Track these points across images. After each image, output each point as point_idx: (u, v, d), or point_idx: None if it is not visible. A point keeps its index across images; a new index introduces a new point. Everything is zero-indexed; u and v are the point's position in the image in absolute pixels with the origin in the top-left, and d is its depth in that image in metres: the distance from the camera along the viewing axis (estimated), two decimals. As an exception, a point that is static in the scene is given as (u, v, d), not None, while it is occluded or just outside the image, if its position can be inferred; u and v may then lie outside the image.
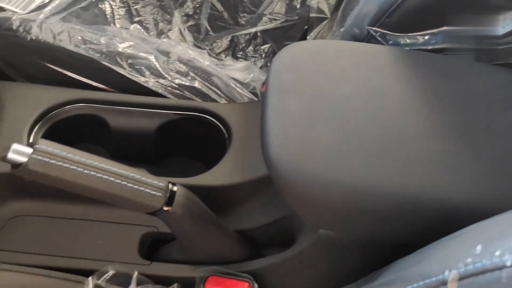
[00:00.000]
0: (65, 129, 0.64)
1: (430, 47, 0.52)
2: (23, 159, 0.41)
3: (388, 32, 0.53)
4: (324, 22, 0.89)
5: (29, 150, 0.42)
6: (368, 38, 0.54)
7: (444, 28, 0.50)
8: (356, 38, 0.57)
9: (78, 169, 0.43)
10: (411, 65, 0.50)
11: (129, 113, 0.65)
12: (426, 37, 0.52)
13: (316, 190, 0.40)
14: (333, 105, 0.46)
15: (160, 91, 0.67)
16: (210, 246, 0.53)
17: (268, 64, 0.92)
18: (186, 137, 0.68)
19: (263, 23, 0.91)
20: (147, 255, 0.59)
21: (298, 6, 0.93)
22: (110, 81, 0.68)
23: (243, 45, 0.89)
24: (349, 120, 0.44)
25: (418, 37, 0.52)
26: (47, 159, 0.42)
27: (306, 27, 0.91)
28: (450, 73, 0.50)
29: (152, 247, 0.60)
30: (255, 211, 0.56)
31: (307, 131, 0.43)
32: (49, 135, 0.62)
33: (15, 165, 0.42)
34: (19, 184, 0.58)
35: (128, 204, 0.45)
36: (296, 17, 0.91)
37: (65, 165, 0.42)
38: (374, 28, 0.54)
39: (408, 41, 0.53)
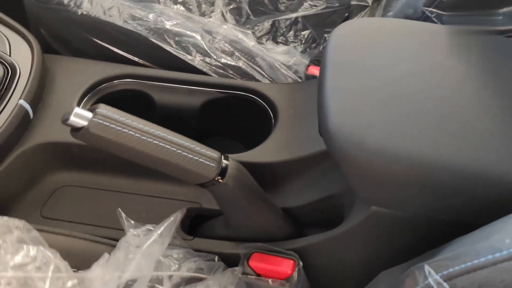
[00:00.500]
0: (111, 103, 0.64)
1: (488, 28, 0.51)
2: (84, 123, 0.42)
3: (444, 12, 0.53)
4: (366, 10, 0.88)
5: (90, 114, 0.42)
6: (423, 19, 0.54)
7: (505, 9, 0.49)
8: (409, 19, 0.56)
9: (136, 135, 0.43)
10: (468, 44, 0.49)
11: (174, 90, 0.65)
12: (484, 18, 0.51)
13: (376, 163, 0.40)
14: (391, 81, 0.45)
15: (204, 69, 0.68)
16: (256, 221, 0.53)
17: (308, 50, 0.92)
18: (228, 116, 0.68)
19: (304, 8, 0.90)
20: (189, 230, 0.59)
21: (339, -8, 0.92)
22: (155, 58, 0.69)
23: (283, 30, 0.88)
24: (407, 96, 0.44)
25: (475, 17, 0.51)
26: (107, 123, 0.42)
27: (347, 14, 0.91)
28: (508, 54, 0.49)
29: (194, 223, 0.61)
30: (301, 189, 0.56)
31: (366, 105, 0.43)
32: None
33: (76, 129, 0.42)
34: (68, 155, 0.59)
35: (181, 173, 0.46)
36: (337, 4, 0.90)
37: (123, 130, 0.43)
38: (430, 9, 0.53)
39: (464, 21, 0.52)
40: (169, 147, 0.44)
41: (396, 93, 0.44)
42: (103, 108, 0.43)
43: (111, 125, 0.42)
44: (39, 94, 0.60)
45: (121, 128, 0.43)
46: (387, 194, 0.42)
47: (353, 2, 0.89)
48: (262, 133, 0.62)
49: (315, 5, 0.91)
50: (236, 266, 0.55)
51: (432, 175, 0.39)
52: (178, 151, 0.45)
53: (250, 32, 0.72)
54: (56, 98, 0.61)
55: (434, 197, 0.40)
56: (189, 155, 0.45)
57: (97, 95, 0.64)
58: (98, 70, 0.65)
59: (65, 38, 0.70)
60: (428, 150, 0.40)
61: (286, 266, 0.51)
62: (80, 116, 0.42)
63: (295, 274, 0.51)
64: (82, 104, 0.62)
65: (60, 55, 0.69)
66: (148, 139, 0.44)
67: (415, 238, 0.45)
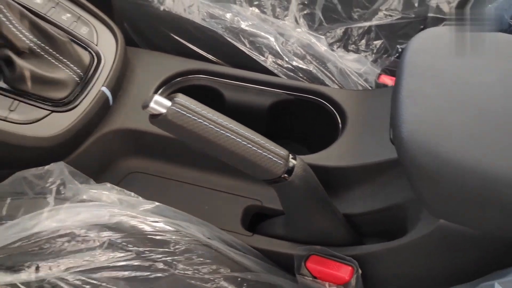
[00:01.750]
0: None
1: None
2: (162, 110, 0.44)
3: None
4: (443, 24, 0.86)
5: (169, 103, 0.44)
6: (510, 31, 0.51)
7: None
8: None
9: (211, 126, 0.45)
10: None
11: (245, 89, 0.67)
12: None
13: (449, 174, 0.39)
14: (472, 91, 0.44)
15: (275, 71, 0.68)
16: (317, 224, 0.52)
17: (379, 60, 0.90)
18: (295, 119, 0.68)
19: (378, 18, 0.89)
20: (249, 227, 0.60)
21: (416, 4, 0.90)
22: (228, 57, 0.70)
23: (355, 38, 0.88)
24: (488, 108, 0.42)
25: None
26: (184, 112, 0.44)
27: (422, 26, 0.89)
28: None
29: (254, 220, 0.61)
30: (363, 196, 0.55)
31: (442, 115, 0.42)
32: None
33: (154, 115, 0.44)
34: (141, 143, 0.62)
35: (250, 167, 0.46)
36: (413, 16, 0.88)
37: (199, 120, 0.44)
38: (518, 22, 0.51)
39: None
40: (241, 140, 0.45)
41: (476, 104, 0.43)
42: (181, 98, 0.44)
43: (188, 114, 0.44)
44: (119, 83, 0.63)
45: (196, 118, 0.44)
46: (459, 210, 0.41)
47: (430, 15, 0.87)
48: (326, 139, 0.62)
49: (390, 15, 0.89)
50: (291, 267, 0.55)
51: (510, 192, 0.37)
52: (249, 145, 0.45)
53: (323, 37, 0.72)
54: (134, 88, 0.64)
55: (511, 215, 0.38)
56: (259, 151, 0.46)
57: (172, 87, 0.67)
58: (174, 64, 0.67)
59: (145, 33, 0.73)
60: (507, 165, 0.38)
61: (344, 272, 0.51)
62: (160, 104, 0.44)
63: (353, 281, 0.50)
64: (157, 94, 0.65)
65: (140, 48, 0.72)
66: (222, 131, 0.45)
67: (484, 256, 0.43)
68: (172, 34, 0.71)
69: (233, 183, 0.61)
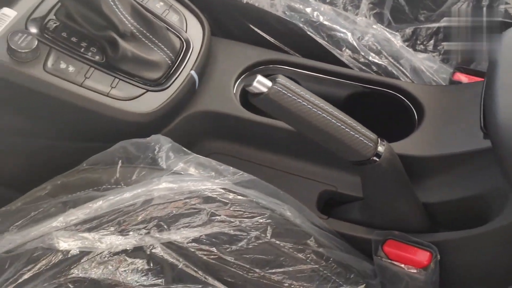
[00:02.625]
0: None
1: None
2: (264, 89, 0.47)
3: None
4: (512, 27, 0.86)
5: (270, 83, 0.47)
6: None
7: None
8: None
9: (308, 106, 0.47)
10: None
11: (321, 80, 0.69)
12: None
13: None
14: None
15: (351, 65, 0.71)
16: (398, 208, 0.54)
17: (446, 63, 0.92)
18: (369, 111, 0.70)
19: (446, 20, 0.90)
20: (323, 211, 0.63)
21: (484, 8, 0.91)
22: (305, 49, 0.73)
23: (423, 39, 0.89)
24: None
25: None
26: (285, 92, 0.47)
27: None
28: None
29: (327, 205, 0.64)
30: (442, 186, 0.57)
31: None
32: (248, 88, 0.69)
33: (255, 94, 0.48)
34: (223, 125, 0.65)
35: (341, 148, 0.49)
36: (482, 19, 0.89)
37: (298, 100, 0.47)
38: None
39: None
40: (335, 122, 0.48)
41: None
42: (282, 78, 0.48)
43: (288, 94, 0.47)
44: (204, 68, 0.67)
45: (295, 98, 0.47)
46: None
47: (499, 19, 0.88)
48: (399, 132, 0.64)
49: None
50: (366, 252, 0.57)
51: None
52: (342, 127, 0.48)
53: (398, 34, 0.74)
54: (217, 74, 0.68)
55: None
56: (351, 132, 0.48)
57: (246, 80, 0.70)
58: (254, 54, 0.70)
59: (225, 23, 0.77)
60: None
61: (422, 256, 0.52)
62: (262, 83, 0.47)
63: (432, 266, 0.52)
64: (238, 82, 0.68)
65: (221, 38, 0.76)
66: (318, 112, 0.48)
67: None
68: (251, 26, 0.74)
69: (309, 168, 0.64)
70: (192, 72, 0.64)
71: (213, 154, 0.66)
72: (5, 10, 0.58)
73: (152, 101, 0.60)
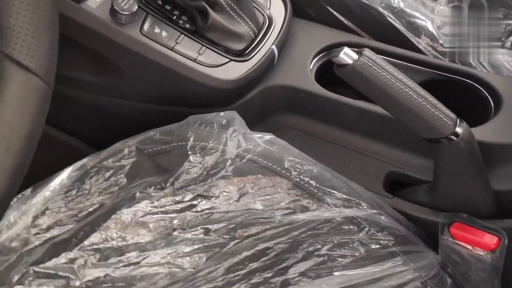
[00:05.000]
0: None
1: None
2: (349, 61, 0.49)
3: None
4: None
5: (356, 56, 0.49)
6: None
7: None
8: None
9: (392, 80, 0.49)
10: None
11: (396, 65, 0.69)
12: None
13: None
14: None
15: (428, 53, 0.71)
16: (469, 191, 0.55)
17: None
18: (442, 100, 0.70)
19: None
20: (388, 191, 0.64)
21: None
22: (382, 35, 0.74)
23: (502, 35, 0.88)
24: None
25: None
26: (371, 64, 0.49)
27: None
28: None
29: (393, 186, 0.65)
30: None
31: None
32: (324, 67, 0.71)
33: (341, 65, 0.50)
34: (296, 100, 0.68)
35: (420, 123, 0.50)
36: None
37: (382, 73, 0.49)
38: None
39: None
40: (417, 97, 0.49)
41: None
42: (368, 52, 0.49)
43: (373, 66, 0.49)
44: (284, 45, 0.69)
45: (380, 71, 0.49)
46: None
47: None
48: (473, 122, 0.64)
49: (540, 16, 0.88)
50: (432, 234, 0.58)
51: None
52: (423, 102, 0.50)
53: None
54: (294, 51, 0.71)
55: None
56: (432, 109, 0.50)
57: (327, 56, 0.72)
58: (332, 35, 0.72)
59: (303, 4, 0.79)
60: None
61: (490, 240, 0.53)
62: (348, 55, 0.49)
63: (499, 250, 0.52)
64: (314, 60, 0.71)
65: (300, 19, 0.79)
66: (401, 86, 0.49)
67: None
68: (330, 9, 0.76)
69: (378, 148, 0.65)
70: (273, 47, 0.67)
71: (283, 128, 0.69)
72: (109, -24, 0.63)
73: (235, 70, 0.63)
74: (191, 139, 0.57)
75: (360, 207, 0.55)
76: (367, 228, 0.54)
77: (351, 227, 0.54)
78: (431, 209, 0.59)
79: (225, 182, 0.55)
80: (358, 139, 0.67)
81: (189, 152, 0.56)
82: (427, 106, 0.49)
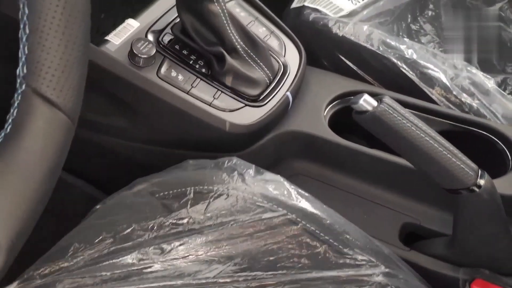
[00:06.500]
0: (348, 114, 0.72)
1: None
2: (369, 108, 0.49)
3: None
4: None
5: (375, 102, 0.49)
6: None
7: None
8: None
9: (412, 127, 0.48)
10: None
11: (411, 115, 0.70)
12: None
13: None
14: None
15: (441, 104, 0.72)
16: (491, 246, 0.53)
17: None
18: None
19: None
20: (405, 242, 0.62)
21: None
22: (395, 85, 0.75)
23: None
24: None
25: None
26: (391, 111, 0.48)
27: None
28: None
29: (409, 238, 0.63)
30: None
31: None
32: (337, 115, 0.71)
33: (361, 112, 0.49)
34: (311, 147, 0.67)
35: (440, 172, 0.49)
36: None
37: (402, 120, 0.48)
38: None
39: None
40: (437, 146, 0.49)
41: None
42: (388, 99, 0.49)
43: (394, 114, 0.48)
44: (298, 91, 0.70)
45: (400, 119, 0.48)
46: None
47: None
48: (489, 174, 0.63)
49: (549, 71, 0.89)
50: (451, 289, 0.55)
51: None
52: (444, 152, 0.49)
53: (492, 78, 0.74)
54: (309, 98, 0.71)
55: None
56: (453, 159, 0.49)
57: (340, 104, 0.72)
58: (346, 84, 0.73)
59: (315, 53, 0.80)
60: None
61: (515, 299, 0.50)
62: (368, 102, 0.49)
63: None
64: (328, 108, 0.71)
65: (313, 67, 0.79)
66: (421, 134, 0.48)
67: None
68: (343, 58, 0.77)
69: (393, 199, 0.64)
70: (288, 93, 0.67)
71: (297, 175, 0.68)
72: (130, 20, 0.64)
73: (249, 115, 0.63)
74: (193, 183, 0.56)
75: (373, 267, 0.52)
76: None
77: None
78: (450, 264, 0.57)
79: (229, 229, 0.53)
80: (373, 188, 0.65)
81: (191, 196, 0.54)
82: (448, 155, 0.49)
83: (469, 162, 0.49)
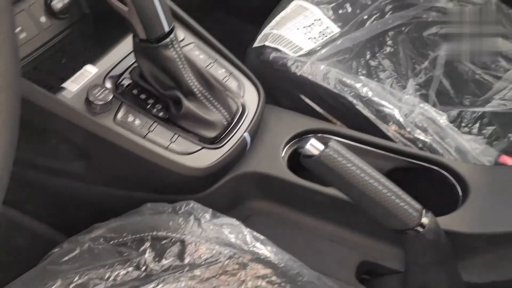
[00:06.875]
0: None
1: None
2: (316, 152, 0.50)
3: None
4: None
5: (322, 147, 0.51)
6: None
7: None
8: None
9: (357, 171, 0.50)
10: None
11: (366, 152, 0.72)
12: None
13: None
14: None
15: (396, 140, 0.73)
16: (438, 283, 0.54)
17: (491, 147, 0.92)
18: (411, 186, 0.71)
19: (492, 106, 0.92)
20: (361, 281, 0.62)
21: (531, 97, 0.93)
22: (351, 122, 0.77)
23: (468, 122, 0.91)
24: None
25: None
26: (336, 156, 0.50)
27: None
28: None
29: (368, 275, 0.64)
30: (486, 266, 0.56)
31: None
32: (296, 153, 0.73)
33: (308, 156, 0.51)
34: (269, 187, 0.68)
35: (385, 215, 0.50)
36: (529, 107, 0.91)
37: (347, 164, 0.50)
38: None
39: None
40: (382, 188, 0.50)
41: None
42: (334, 143, 0.51)
43: (339, 158, 0.50)
44: (256, 132, 0.71)
45: (345, 163, 0.50)
46: None
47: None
48: (441, 210, 0.64)
49: (504, 104, 0.92)
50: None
51: None
52: (388, 194, 0.50)
53: (444, 114, 0.77)
54: (267, 138, 0.72)
55: None
56: (397, 200, 0.50)
57: (299, 142, 0.73)
58: (304, 122, 0.75)
59: (276, 92, 0.82)
60: None
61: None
62: (314, 147, 0.50)
63: None
64: (286, 147, 0.72)
65: (272, 105, 0.81)
66: (366, 177, 0.50)
67: None
68: (302, 96, 0.79)
69: (350, 237, 0.65)
70: (246, 134, 0.68)
71: (255, 215, 0.69)
72: (88, 66, 0.65)
73: (206, 158, 0.64)
74: (150, 229, 0.56)
75: None
76: None
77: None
78: None
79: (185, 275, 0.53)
80: (330, 226, 0.66)
81: (148, 244, 0.54)
82: (392, 197, 0.50)
83: (413, 202, 0.51)
